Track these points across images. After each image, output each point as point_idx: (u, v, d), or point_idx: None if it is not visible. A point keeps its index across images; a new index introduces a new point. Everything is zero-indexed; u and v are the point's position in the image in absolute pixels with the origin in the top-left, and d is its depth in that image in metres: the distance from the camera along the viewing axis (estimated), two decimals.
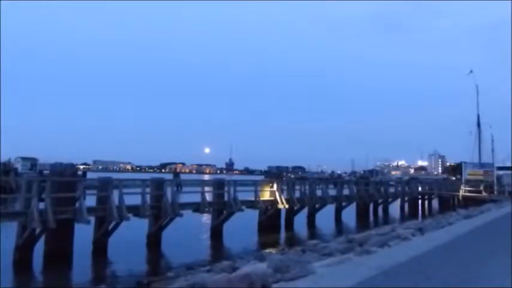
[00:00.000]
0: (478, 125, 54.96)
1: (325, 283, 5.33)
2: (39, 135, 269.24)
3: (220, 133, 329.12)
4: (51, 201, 12.65)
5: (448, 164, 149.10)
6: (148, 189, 16.42)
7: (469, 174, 44.00)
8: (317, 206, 25.11)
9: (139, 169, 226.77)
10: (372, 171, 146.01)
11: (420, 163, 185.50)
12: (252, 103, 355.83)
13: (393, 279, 5.39)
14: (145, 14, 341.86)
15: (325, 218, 25.46)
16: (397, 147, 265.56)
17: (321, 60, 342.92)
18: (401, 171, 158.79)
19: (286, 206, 21.79)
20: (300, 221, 23.44)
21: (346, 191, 29.91)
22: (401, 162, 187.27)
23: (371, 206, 31.50)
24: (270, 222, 20.88)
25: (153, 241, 15.76)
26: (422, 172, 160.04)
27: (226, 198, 19.01)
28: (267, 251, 13.64)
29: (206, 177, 66.76)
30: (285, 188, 23.15)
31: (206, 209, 17.67)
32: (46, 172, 42.97)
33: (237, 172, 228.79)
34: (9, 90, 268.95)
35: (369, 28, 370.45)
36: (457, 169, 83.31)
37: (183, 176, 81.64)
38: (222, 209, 18.59)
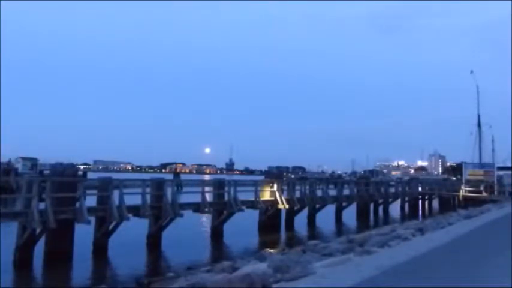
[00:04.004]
0: (479, 125, 54.92)
1: (326, 283, 5.33)
2: (39, 135, 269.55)
3: (220, 133, 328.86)
4: (52, 201, 12.65)
5: (448, 164, 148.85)
6: (148, 190, 16.40)
7: (469, 175, 43.87)
8: (317, 206, 25.10)
9: (140, 169, 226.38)
10: (372, 172, 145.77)
11: (420, 163, 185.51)
12: (252, 103, 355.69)
13: (393, 280, 5.39)
14: (145, 13, 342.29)
15: (326, 218, 25.44)
16: (397, 147, 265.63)
17: (320, 60, 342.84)
18: (402, 172, 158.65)
19: (287, 206, 21.77)
20: (300, 221, 23.41)
21: (346, 191, 29.92)
22: (402, 163, 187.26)
23: (371, 206, 31.46)
24: (270, 222, 20.87)
25: (154, 241, 15.74)
26: (423, 172, 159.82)
27: (226, 198, 19.00)
28: (268, 251, 13.62)
29: (206, 177, 66.65)
30: (285, 188, 23.13)
31: (206, 209, 17.65)
32: (46, 172, 43.05)
33: (238, 172, 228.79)
34: (9, 90, 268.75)
35: (368, 28, 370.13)
36: (457, 169, 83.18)
37: (183, 176, 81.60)
38: (222, 209, 18.58)
